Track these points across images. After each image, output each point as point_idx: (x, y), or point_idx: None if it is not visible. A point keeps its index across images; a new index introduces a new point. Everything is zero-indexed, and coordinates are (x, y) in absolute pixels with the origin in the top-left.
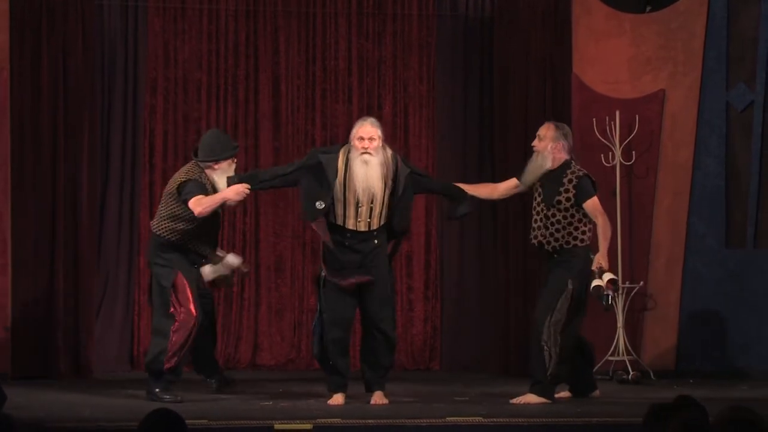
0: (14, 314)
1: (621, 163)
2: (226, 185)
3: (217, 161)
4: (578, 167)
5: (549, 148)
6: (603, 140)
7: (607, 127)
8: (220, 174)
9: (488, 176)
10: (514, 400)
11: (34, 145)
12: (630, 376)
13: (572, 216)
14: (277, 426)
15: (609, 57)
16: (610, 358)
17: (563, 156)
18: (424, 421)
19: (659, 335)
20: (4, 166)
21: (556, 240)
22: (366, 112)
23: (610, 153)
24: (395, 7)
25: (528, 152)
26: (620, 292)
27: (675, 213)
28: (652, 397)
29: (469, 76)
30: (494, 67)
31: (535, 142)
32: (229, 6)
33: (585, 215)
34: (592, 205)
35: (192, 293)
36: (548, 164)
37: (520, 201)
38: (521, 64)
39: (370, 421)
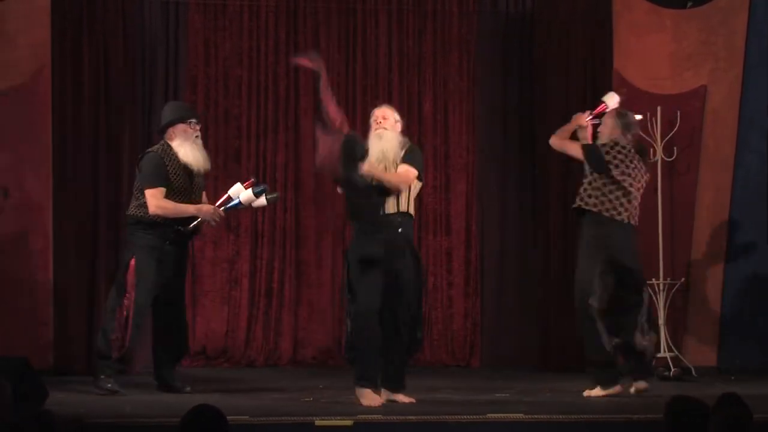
0: (55, 311)
1: (662, 159)
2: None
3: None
4: None
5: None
6: (644, 136)
7: (649, 123)
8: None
9: (529, 172)
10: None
11: (76, 141)
12: (671, 373)
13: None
14: (317, 422)
15: (650, 53)
16: None
17: None
18: (465, 417)
19: (701, 332)
20: (46, 163)
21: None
22: (406, 108)
23: (652, 149)
24: (435, 3)
25: None
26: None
27: (716, 209)
28: (695, 394)
29: (509, 73)
30: (534, 63)
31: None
32: (269, 3)
33: None
34: None
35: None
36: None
37: (560, 201)
38: (561, 60)
39: (411, 417)
